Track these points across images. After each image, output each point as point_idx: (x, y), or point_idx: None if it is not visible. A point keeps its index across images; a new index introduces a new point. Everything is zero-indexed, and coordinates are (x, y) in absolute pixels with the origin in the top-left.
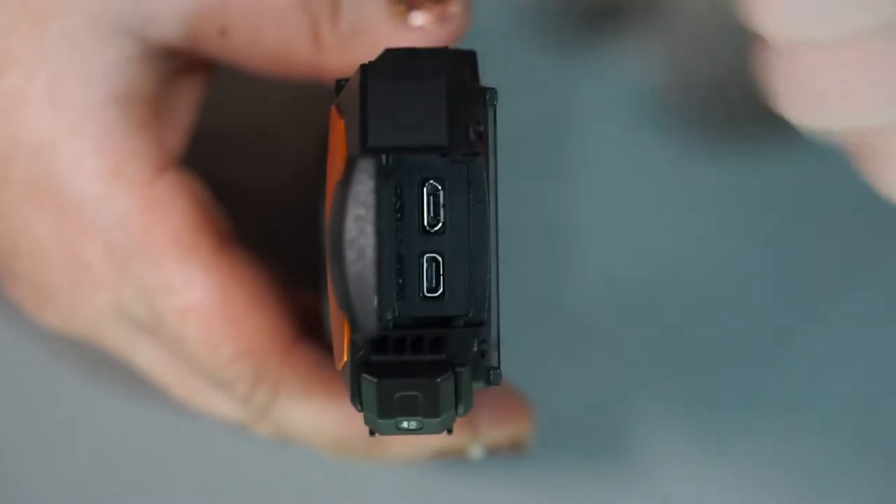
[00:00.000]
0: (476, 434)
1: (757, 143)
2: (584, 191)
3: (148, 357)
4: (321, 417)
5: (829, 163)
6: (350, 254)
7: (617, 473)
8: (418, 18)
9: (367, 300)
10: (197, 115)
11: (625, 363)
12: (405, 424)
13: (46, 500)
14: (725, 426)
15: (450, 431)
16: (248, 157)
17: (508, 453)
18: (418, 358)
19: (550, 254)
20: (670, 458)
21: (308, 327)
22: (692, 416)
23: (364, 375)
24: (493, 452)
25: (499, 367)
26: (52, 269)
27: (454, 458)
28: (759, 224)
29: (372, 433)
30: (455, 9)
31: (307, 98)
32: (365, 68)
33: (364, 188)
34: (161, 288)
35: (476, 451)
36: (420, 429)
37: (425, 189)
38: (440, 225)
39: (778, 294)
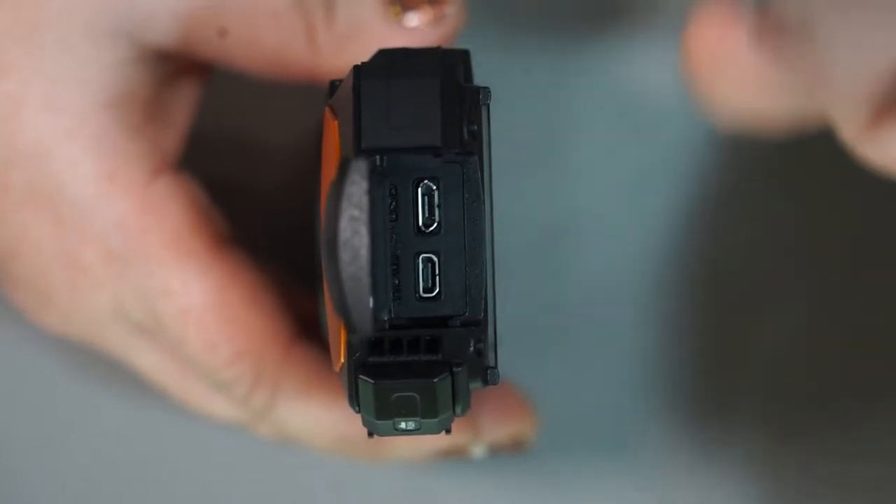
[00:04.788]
0: (478, 433)
1: (757, 139)
2: (584, 190)
3: (148, 359)
4: (321, 417)
5: (831, 160)
6: (344, 255)
7: (619, 473)
8: (413, 19)
9: (363, 301)
10: (193, 116)
11: (627, 362)
12: (403, 425)
13: (46, 500)
14: (728, 426)
15: (448, 432)
16: (246, 159)
17: (510, 453)
18: (415, 358)
19: (551, 253)
20: (672, 457)
21: (306, 328)
22: (694, 415)
23: (361, 377)
24: (495, 452)
25: (496, 367)
26: (51, 273)
27: (456, 458)
28: (761, 223)
29: (370, 434)
30: (450, 9)
31: (304, 99)
32: (358, 69)
33: (358, 189)
34: (159, 290)
35: (478, 451)
36: (418, 429)
37: (420, 189)
38: (435, 225)
39: (779, 292)
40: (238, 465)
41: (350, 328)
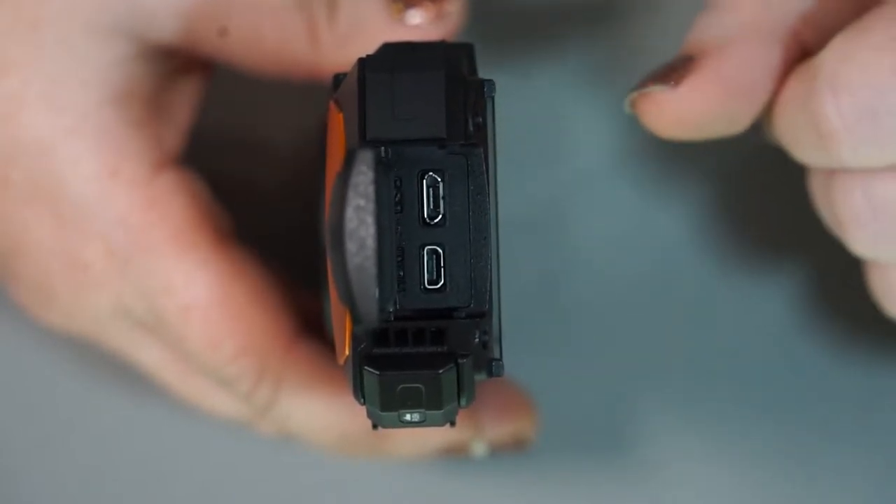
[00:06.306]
0: (479, 431)
1: (754, 138)
2: (585, 186)
3: (150, 356)
4: (324, 413)
5: None
6: (350, 245)
7: (621, 471)
8: (415, 17)
9: (369, 291)
10: (195, 113)
11: (628, 361)
12: (408, 417)
13: (46, 499)
14: (729, 424)
15: (453, 424)
16: (248, 156)
17: (512, 451)
18: (420, 350)
19: (552, 250)
20: (674, 456)
21: (308, 326)
22: (695, 413)
23: (366, 368)
24: (497, 450)
25: (500, 359)
26: (54, 270)
27: (457, 457)
28: (761, 218)
29: (375, 427)
30: (451, 7)
31: (305, 97)
32: (363, 62)
33: (364, 179)
34: (161, 287)
35: (479, 449)
36: (423, 421)
37: (425, 181)
38: (440, 217)
39: (780, 289)
40: (238, 465)
41: (355, 318)
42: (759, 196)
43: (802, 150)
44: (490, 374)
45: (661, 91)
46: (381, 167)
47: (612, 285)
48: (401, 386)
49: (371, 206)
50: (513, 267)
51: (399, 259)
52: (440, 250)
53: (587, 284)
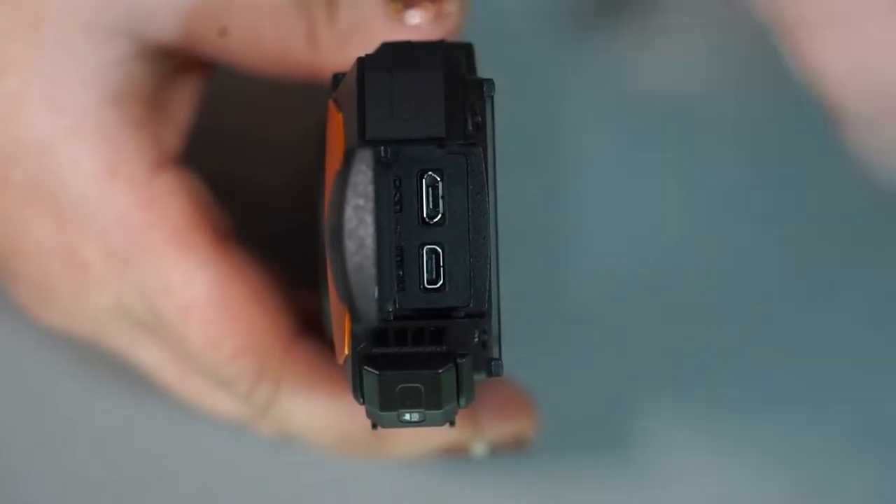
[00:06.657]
0: (479, 431)
1: (755, 136)
2: (585, 186)
3: (150, 356)
4: (324, 413)
5: (830, 156)
6: (350, 244)
7: (621, 471)
8: (414, 17)
9: (368, 290)
10: (195, 113)
11: (628, 360)
12: (407, 417)
13: (46, 499)
14: (729, 424)
15: (452, 423)
16: (248, 156)
17: (512, 451)
18: (419, 349)
19: (552, 250)
20: (673, 457)
21: (308, 326)
22: (695, 412)
23: (365, 368)
24: (497, 450)
25: (500, 358)
26: (54, 270)
27: (457, 457)
28: (760, 218)
29: (374, 426)
30: (451, 7)
31: (305, 97)
32: (362, 61)
33: (363, 178)
34: (160, 287)
35: (479, 449)
36: (422, 421)
37: (424, 181)
38: (439, 216)
39: (779, 288)
40: (238, 465)
41: (355, 318)
42: (761, 195)
43: None
44: (489, 373)
45: None
46: (381, 167)
47: (612, 285)
48: (400, 386)
49: (370, 206)
50: (512, 266)
51: (398, 258)
52: (439, 250)
53: (587, 284)
